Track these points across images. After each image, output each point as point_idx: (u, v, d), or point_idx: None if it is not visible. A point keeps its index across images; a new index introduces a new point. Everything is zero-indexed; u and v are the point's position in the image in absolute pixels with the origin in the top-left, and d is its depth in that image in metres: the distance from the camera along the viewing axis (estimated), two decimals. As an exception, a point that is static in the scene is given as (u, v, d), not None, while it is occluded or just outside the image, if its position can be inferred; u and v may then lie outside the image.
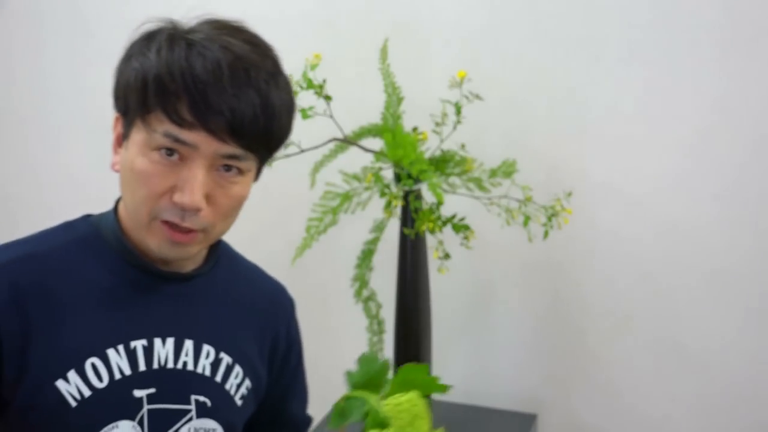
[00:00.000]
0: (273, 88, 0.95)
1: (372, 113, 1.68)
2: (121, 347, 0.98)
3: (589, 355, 1.89)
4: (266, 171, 1.62)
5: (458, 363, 1.98)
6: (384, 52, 1.67)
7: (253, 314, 1.13)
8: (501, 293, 1.94)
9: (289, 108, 0.99)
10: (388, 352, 1.73)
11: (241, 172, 0.97)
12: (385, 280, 1.73)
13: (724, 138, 1.73)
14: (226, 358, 1.06)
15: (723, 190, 1.74)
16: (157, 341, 1.01)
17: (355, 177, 1.68)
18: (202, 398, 1.03)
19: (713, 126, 1.73)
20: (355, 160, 1.70)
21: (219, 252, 1.12)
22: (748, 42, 1.68)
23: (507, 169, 1.66)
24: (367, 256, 1.68)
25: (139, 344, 0.99)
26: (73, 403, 0.94)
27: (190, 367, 1.03)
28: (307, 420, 1.28)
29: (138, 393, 0.98)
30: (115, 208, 1.04)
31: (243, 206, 1.02)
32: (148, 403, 0.99)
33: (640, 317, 1.84)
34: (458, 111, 1.59)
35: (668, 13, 1.73)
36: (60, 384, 0.94)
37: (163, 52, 0.92)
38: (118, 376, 0.97)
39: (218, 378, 1.06)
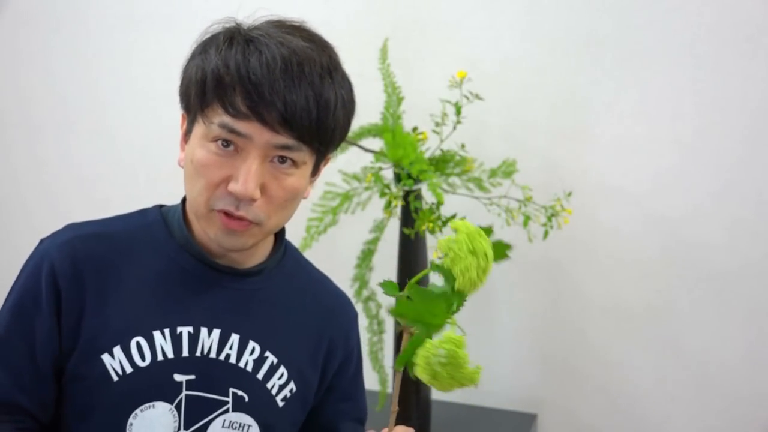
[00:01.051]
0: (327, 83, 0.98)
1: (372, 113, 1.68)
2: (167, 331, 1.01)
3: (589, 355, 1.89)
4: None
5: (458, 363, 1.98)
6: (384, 52, 1.67)
7: (309, 320, 1.13)
8: (501, 293, 1.94)
9: (345, 103, 1.02)
10: (388, 352, 1.73)
11: (295, 164, 0.99)
12: (385, 280, 1.73)
13: (724, 137, 1.73)
14: (271, 358, 1.07)
15: (723, 190, 1.74)
16: (203, 330, 1.03)
17: (355, 177, 1.68)
18: (240, 392, 1.04)
19: (713, 125, 1.73)
20: (355, 160, 1.70)
21: (283, 255, 1.14)
22: (746, 41, 1.68)
23: (507, 169, 1.66)
24: (367, 256, 1.68)
25: (185, 330, 1.02)
26: (115, 378, 0.99)
27: (232, 360, 1.04)
28: None
29: (178, 377, 1.01)
30: (184, 201, 1.08)
31: (299, 200, 1.04)
32: (187, 389, 1.01)
33: (640, 317, 1.84)
34: (458, 111, 1.59)
35: (667, 14, 1.73)
36: (105, 358, 0.99)
37: (223, 49, 0.97)
38: (160, 357, 1.00)
39: (260, 375, 1.06)
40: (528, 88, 1.84)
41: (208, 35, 1.01)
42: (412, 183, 1.58)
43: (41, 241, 1.05)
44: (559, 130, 1.83)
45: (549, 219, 1.62)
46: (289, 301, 1.12)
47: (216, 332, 1.03)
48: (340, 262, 1.82)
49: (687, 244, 1.78)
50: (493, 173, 1.65)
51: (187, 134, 1.02)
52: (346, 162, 1.70)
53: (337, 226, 1.66)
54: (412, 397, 1.72)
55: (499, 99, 1.81)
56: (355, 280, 1.68)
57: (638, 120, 1.78)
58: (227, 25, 1.01)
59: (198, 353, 1.02)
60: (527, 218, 1.61)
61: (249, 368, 1.05)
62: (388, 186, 1.64)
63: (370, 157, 1.67)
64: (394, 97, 1.65)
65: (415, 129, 1.66)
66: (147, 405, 0.99)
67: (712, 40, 1.70)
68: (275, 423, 1.07)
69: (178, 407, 1.00)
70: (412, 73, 1.84)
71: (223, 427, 1.03)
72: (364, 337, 1.70)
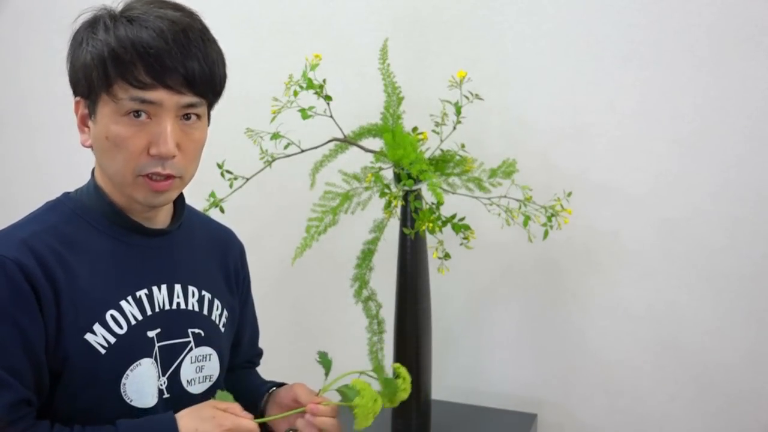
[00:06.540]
0: (208, 43, 1.12)
1: (372, 113, 1.68)
2: (130, 298, 1.15)
3: (589, 355, 1.89)
4: (266, 171, 1.63)
5: (458, 363, 1.98)
6: (384, 52, 1.67)
7: (215, 254, 1.33)
8: (501, 293, 1.94)
9: (222, 57, 1.16)
10: (388, 351, 1.73)
11: (198, 117, 1.14)
12: (385, 280, 1.72)
13: (723, 137, 1.73)
14: (207, 295, 1.26)
15: (722, 190, 1.74)
16: (155, 288, 1.19)
17: (355, 177, 1.68)
18: (197, 330, 1.23)
19: (712, 125, 1.73)
20: (355, 160, 1.70)
21: (184, 208, 1.29)
22: (746, 41, 1.68)
23: (507, 169, 1.66)
24: (367, 256, 1.68)
25: (142, 293, 1.17)
26: (102, 351, 1.11)
27: (182, 306, 1.22)
28: (259, 351, 1.51)
29: (150, 333, 1.16)
30: (94, 181, 1.18)
31: (203, 150, 1.18)
32: (158, 341, 1.17)
33: (640, 317, 1.84)
34: (458, 111, 1.59)
35: (667, 13, 1.73)
36: (88, 336, 1.10)
37: (111, 31, 1.07)
38: (133, 321, 1.14)
39: (205, 312, 1.25)
40: (528, 88, 1.84)
41: (84, 23, 1.11)
42: (412, 183, 1.58)
43: None
44: (559, 130, 1.84)
45: (549, 219, 1.62)
46: (199, 242, 1.31)
47: (163, 287, 1.20)
48: (340, 262, 1.82)
49: (687, 244, 1.78)
50: (493, 173, 1.65)
51: (90, 116, 1.11)
52: (346, 162, 1.70)
53: (337, 226, 1.66)
54: (412, 396, 1.71)
55: (499, 99, 1.81)
56: (355, 280, 1.67)
57: (638, 120, 1.78)
58: (99, 13, 1.11)
59: (157, 309, 1.18)
60: (527, 218, 1.61)
61: (196, 309, 1.24)
62: (388, 186, 1.63)
63: (370, 157, 1.66)
64: (394, 97, 1.65)
65: (415, 129, 1.66)
66: (135, 364, 1.14)
67: (711, 40, 1.71)
68: (224, 346, 1.29)
69: (155, 359, 1.16)
70: (412, 73, 1.84)
71: (191, 362, 1.21)
72: (364, 336, 1.70)
